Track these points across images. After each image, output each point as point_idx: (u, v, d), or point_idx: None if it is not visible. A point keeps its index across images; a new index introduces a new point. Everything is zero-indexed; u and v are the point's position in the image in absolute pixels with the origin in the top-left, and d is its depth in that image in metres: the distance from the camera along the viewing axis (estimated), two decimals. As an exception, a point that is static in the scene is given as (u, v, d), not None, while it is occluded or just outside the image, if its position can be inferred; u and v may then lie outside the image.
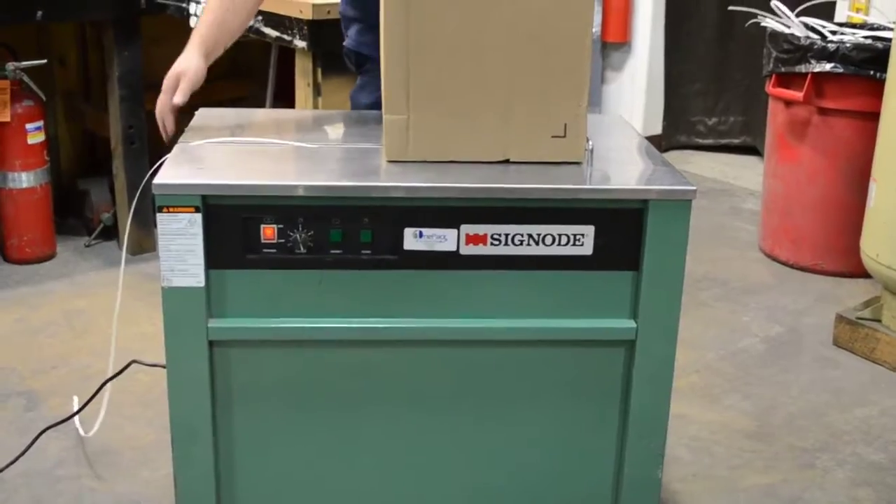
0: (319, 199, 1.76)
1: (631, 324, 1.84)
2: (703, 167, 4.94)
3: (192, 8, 3.11)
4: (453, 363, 1.86)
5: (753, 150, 5.15)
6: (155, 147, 3.76)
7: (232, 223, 1.76)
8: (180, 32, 3.25)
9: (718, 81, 5.11)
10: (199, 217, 1.74)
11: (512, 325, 1.84)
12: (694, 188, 1.82)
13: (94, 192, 3.80)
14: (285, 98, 3.30)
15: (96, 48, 3.53)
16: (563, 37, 1.83)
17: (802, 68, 3.46)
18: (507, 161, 1.88)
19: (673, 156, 5.02)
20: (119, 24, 3.38)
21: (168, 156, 1.88)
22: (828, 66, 3.41)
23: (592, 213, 1.81)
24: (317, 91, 2.83)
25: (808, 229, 3.69)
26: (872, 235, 2.98)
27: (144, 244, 3.63)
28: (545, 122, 1.88)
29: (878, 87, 3.33)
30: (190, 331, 1.78)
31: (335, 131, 2.09)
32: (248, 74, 3.98)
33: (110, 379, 2.29)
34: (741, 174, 4.89)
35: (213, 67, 3.10)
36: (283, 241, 1.78)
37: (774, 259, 3.82)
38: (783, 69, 3.52)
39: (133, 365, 2.41)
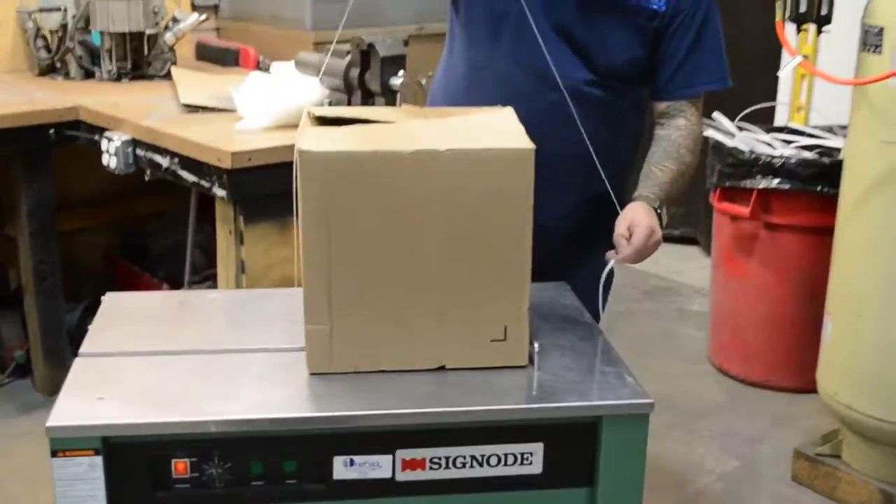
0: (236, 433, 1.58)
1: (587, 546, 1.68)
2: (646, 261, 4.80)
3: (104, 144, 2.91)
4: None
5: (694, 241, 5.05)
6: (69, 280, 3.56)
7: (138, 461, 1.57)
8: (84, 161, 3.06)
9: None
10: (99, 460, 1.55)
11: (456, 558, 1.66)
12: (651, 401, 1.66)
13: (4, 327, 3.56)
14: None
15: (3, 180, 3.31)
16: (500, 235, 1.67)
17: (748, 184, 3.35)
18: (442, 368, 1.72)
19: (615, 248, 4.89)
20: (28, 156, 3.17)
21: (67, 380, 1.68)
22: (774, 182, 3.30)
23: (541, 429, 1.65)
24: (239, 240, 2.64)
25: (758, 346, 3.57)
26: (829, 373, 2.86)
27: (60, 382, 3.38)
28: (483, 325, 1.72)
29: (825, 202, 3.23)
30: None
31: (254, 325, 1.90)
32: (168, 189, 3.76)
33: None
34: (684, 268, 4.77)
35: (132, 183, 2.89)
36: (197, 475, 1.59)
37: (724, 373, 3.69)
38: (728, 183, 3.41)
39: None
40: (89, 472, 1.54)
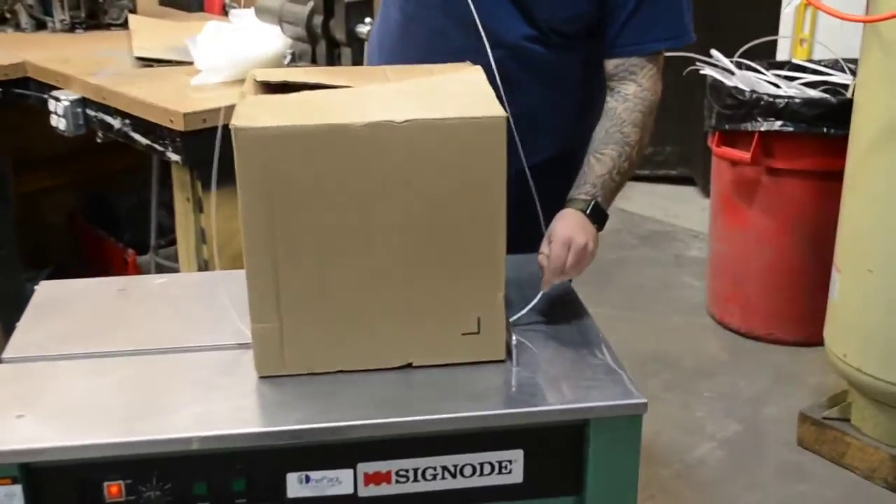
0: (175, 452, 1.39)
1: (576, 560, 1.50)
2: (642, 204, 4.60)
3: (52, 104, 2.68)
4: None
5: (691, 181, 4.84)
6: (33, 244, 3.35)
7: (65, 487, 1.39)
8: (42, 119, 2.84)
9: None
10: (18, 489, 1.36)
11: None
12: (644, 401, 1.47)
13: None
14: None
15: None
16: (470, 215, 1.47)
17: (749, 126, 3.12)
18: (409, 366, 1.53)
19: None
20: (-25, 118, 2.95)
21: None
22: (777, 125, 3.08)
23: (521, 434, 1.47)
24: (198, 207, 2.44)
25: (759, 297, 3.37)
26: (837, 332, 2.67)
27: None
28: (453, 317, 1.52)
29: (831, 144, 3.02)
30: None
31: (201, 317, 1.70)
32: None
33: None
34: (682, 211, 4.57)
35: (94, 140, 2.63)
36: (133, 498, 1.41)
37: (725, 327, 3.50)
38: (727, 126, 3.19)
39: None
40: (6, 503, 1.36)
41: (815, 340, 2.98)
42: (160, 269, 3.19)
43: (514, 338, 1.56)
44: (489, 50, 1.65)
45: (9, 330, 3.14)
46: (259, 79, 1.60)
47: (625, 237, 4.23)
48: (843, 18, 2.41)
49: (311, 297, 1.47)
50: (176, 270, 2.81)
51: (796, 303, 3.28)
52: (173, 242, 3.20)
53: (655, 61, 1.82)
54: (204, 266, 2.47)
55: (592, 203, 1.69)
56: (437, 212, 1.45)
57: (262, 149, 1.40)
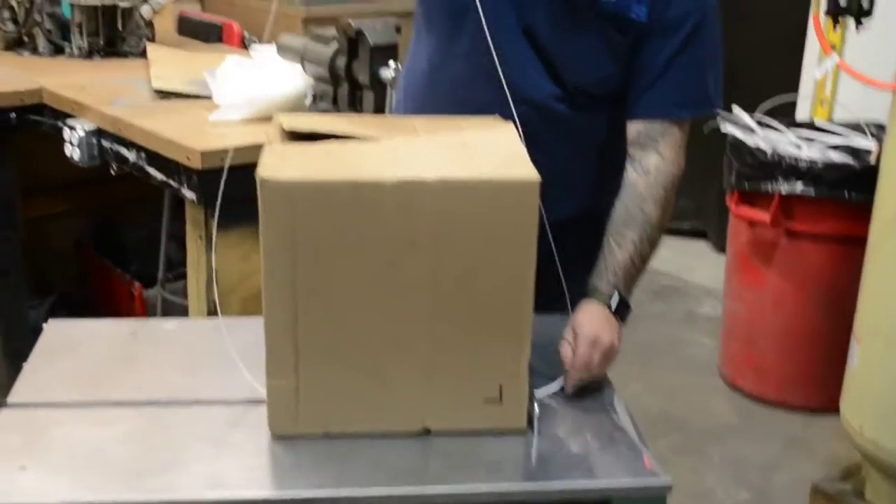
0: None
1: None
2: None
3: (67, 133, 2.64)
4: None
5: (704, 234, 4.80)
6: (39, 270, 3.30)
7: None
8: (55, 144, 2.80)
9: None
10: (14, 545, 1.30)
11: None
12: (669, 482, 1.41)
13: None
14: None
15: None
16: (498, 279, 1.42)
17: (769, 187, 3.09)
18: (427, 432, 1.47)
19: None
20: (-13, 143, 2.91)
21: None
22: (798, 187, 3.04)
23: (540, 508, 1.41)
24: (211, 247, 2.39)
25: (773, 360, 3.32)
26: (855, 403, 2.61)
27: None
28: (475, 383, 1.47)
29: (852, 209, 2.99)
30: None
31: (213, 366, 1.64)
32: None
33: None
34: (694, 266, 4.52)
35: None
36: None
37: (736, 389, 3.44)
38: (747, 186, 3.15)
39: None
40: (2, 559, 1.30)
41: (829, 408, 2.93)
42: (167, 305, 3.14)
43: (536, 406, 1.50)
44: (513, 106, 1.62)
45: (12, 357, 3.11)
46: (285, 126, 1.56)
47: (636, 292, 4.15)
48: (873, 85, 2.37)
49: (331, 355, 1.42)
50: (183, 306, 2.75)
51: (811, 368, 3.23)
52: (181, 277, 3.15)
53: (680, 129, 1.77)
54: (213, 307, 2.41)
55: (617, 297, 1.65)
56: (463, 273, 1.41)
57: (287, 201, 1.35)
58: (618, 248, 1.69)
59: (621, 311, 1.65)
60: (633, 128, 1.76)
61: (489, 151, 1.50)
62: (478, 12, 1.67)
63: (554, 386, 1.59)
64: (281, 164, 1.39)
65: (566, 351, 1.58)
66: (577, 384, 1.58)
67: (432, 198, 1.36)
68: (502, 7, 1.69)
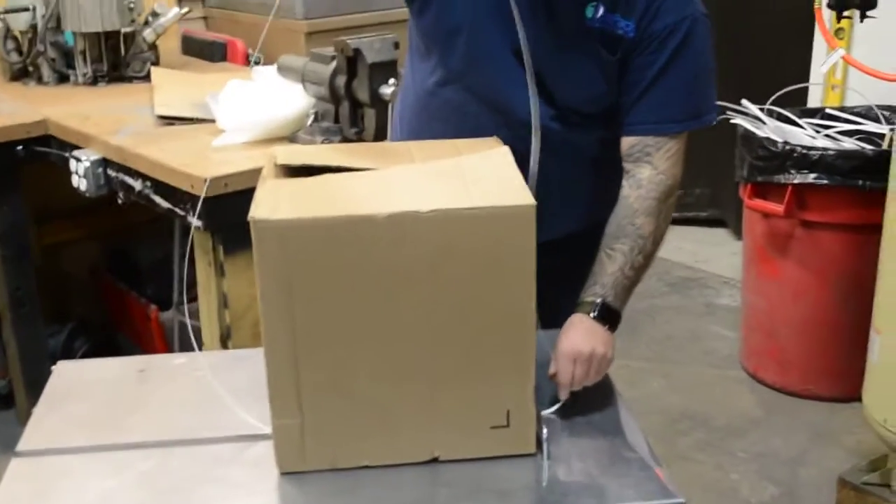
0: (190, 558, 1.34)
1: None
2: (671, 248, 4.52)
3: (73, 165, 2.65)
4: None
5: (722, 223, 4.76)
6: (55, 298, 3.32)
7: None
8: (65, 172, 2.80)
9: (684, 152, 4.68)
10: None
11: None
12: (683, 502, 1.40)
13: (-16, 357, 3.33)
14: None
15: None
16: (499, 306, 1.41)
17: (782, 178, 3.05)
18: (434, 459, 1.46)
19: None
20: (-5, 175, 2.92)
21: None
22: (811, 177, 3.01)
23: (552, 535, 1.40)
24: (220, 272, 2.39)
25: (795, 351, 3.29)
26: (878, 396, 2.58)
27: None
28: (481, 410, 1.46)
29: (867, 197, 2.95)
30: None
31: (221, 402, 1.64)
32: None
33: None
34: (712, 256, 4.49)
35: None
36: None
37: (759, 381, 3.41)
38: (759, 178, 3.12)
39: None
40: None
41: (853, 396, 2.91)
42: (183, 327, 3.15)
43: (545, 430, 1.49)
44: (507, 128, 1.60)
45: (31, 387, 3.12)
46: (279, 161, 1.55)
47: (654, 284, 4.15)
48: (878, 77, 2.34)
49: (333, 391, 1.42)
50: (199, 329, 2.76)
51: (834, 357, 3.19)
52: (196, 299, 3.17)
53: (676, 141, 1.75)
54: (226, 332, 2.42)
55: (600, 305, 1.63)
56: (463, 301, 1.40)
57: (280, 241, 1.35)
58: (608, 260, 1.68)
59: (608, 319, 1.63)
60: (626, 142, 1.75)
61: (484, 178, 1.49)
62: (469, 35, 1.66)
63: (559, 404, 1.59)
64: (273, 203, 1.38)
65: (551, 370, 1.58)
66: (567, 399, 1.58)
67: (427, 229, 1.36)
68: (491, 29, 1.68)
